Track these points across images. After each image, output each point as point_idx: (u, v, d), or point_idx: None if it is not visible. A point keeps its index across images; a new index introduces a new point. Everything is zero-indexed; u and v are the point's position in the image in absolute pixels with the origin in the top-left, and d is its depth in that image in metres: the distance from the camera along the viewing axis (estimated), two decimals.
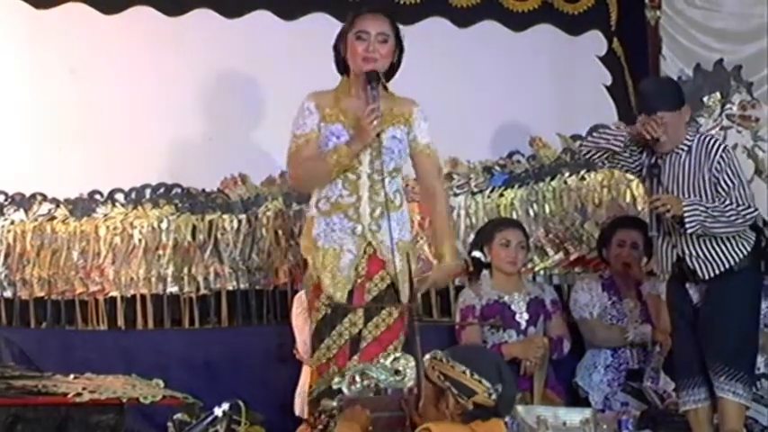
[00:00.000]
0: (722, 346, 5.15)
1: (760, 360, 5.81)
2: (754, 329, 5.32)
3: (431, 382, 3.91)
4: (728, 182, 5.14)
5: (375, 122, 4.63)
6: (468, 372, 3.85)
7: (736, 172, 5.18)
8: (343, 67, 4.79)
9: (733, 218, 5.10)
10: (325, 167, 4.68)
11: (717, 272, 5.17)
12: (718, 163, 5.15)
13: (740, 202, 5.12)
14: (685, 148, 5.23)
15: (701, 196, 5.16)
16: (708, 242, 5.16)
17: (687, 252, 5.19)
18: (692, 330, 5.26)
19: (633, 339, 5.99)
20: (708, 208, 5.09)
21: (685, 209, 5.08)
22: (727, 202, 5.11)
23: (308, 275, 4.73)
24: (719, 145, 5.23)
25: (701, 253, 5.17)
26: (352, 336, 4.73)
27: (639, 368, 6.00)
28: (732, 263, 5.16)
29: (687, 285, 5.27)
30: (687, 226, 5.07)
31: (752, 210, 5.14)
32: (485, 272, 6.04)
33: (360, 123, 4.66)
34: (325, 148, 4.68)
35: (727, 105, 6.68)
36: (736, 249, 5.17)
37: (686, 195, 5.18)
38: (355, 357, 4.72)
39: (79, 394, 4.85)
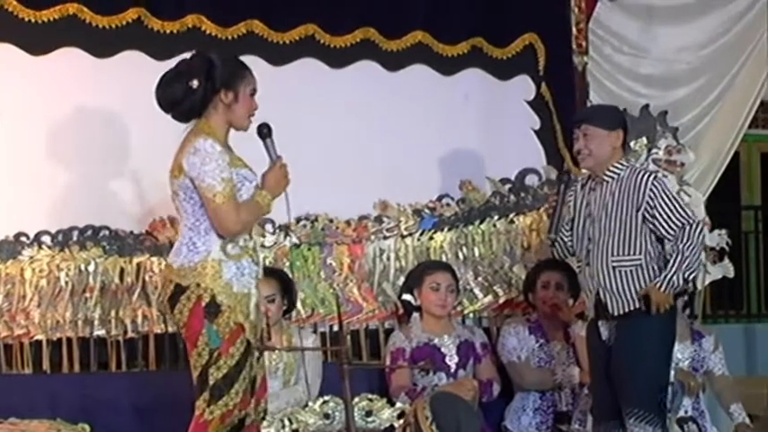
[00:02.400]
0: (631, 387, 5.18)
1: (687, 402, 5.87)
2: (664, 371, 5.31)
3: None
4: (666, 208, 5.19)
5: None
6: (429, 419, 3.93)
7: (670, 195, 5.25)
8: (200, 108, 4.70)
9: (690, 247, 5.15)
10: (260, 212, 4.69)
11: (626, 309, 5.20)
12: (651, 192, 5.21)
13: (684, 221, 5.17)
14: (615, 177, 5.28)
15: (626, 225, 5.21)
16: (619, 277, 5.20)
17: (601, 285, 5.23)
18: (605, 370, 5.28)
19: (561, 382, 6.01)
20: (672, 269, 5.13)
21: (668, 289, 5.15)
22: (672, 246, 5.18)
23: (224, 322, 4.54)
24: (649, 175, 5.29)
25: (612, 287, 5.21)
26: (252, 378, 4.70)
27: (568, 410, 6.02)
28: (642, 303, 5.19)
29: (599, 323, 5.31)
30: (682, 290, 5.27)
31: (693, 219, 5.21)
32: (415, 315, 6.06)
33: (275, 175, 4.70)
34: (236, 193, 4.64)
35: (654, 150, 6.77)
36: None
37: (613, 223, 5.23)
38: (252, 400, 4.70)
39: None
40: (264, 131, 4.73)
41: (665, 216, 5.19)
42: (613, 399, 5.25)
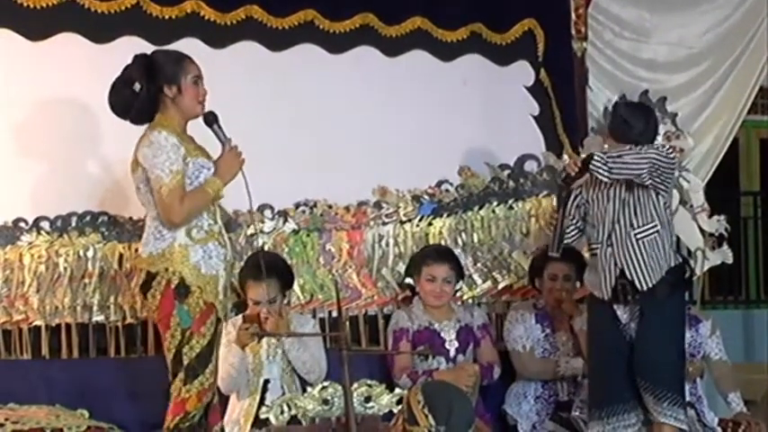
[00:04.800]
0: (664, 371, 5.25)
1: (685, 388, 5.87)
2: (683, 355, 5.46)
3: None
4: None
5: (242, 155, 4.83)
6: (422, 403, 3.98)
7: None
8: (151, 107, 4.80)
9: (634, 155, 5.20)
10: (207, 199, 4.79)
11: (653, 281, 5.24)
12: None
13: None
14: None
15: (635, 195, 5.30)
16: (643, 248, 5.26)
17: (626, 261, 5.26)
18: (620, 355, 5.30)
19: (564, 373, 6.00)
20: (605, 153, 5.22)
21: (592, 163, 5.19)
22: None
23: (194, 302, 4.70)
24: None
25: (639, 260, 5.26)
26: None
27: (569, 400, 6.01)
28: (666, 273, 5.26)
29: (615, 307, 5.32)
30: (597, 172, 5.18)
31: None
32: (417, 298, 6.07)
33: (226, 160, 4.81)
34: (195, 181, 4.76)
35: None
36: (669, 258, 5.30)
37: (626, 198, 5.30)
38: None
39: (2, 425, 4.80)
40: (210, 119, 4.86)
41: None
42: (628, 382, 5.29)
